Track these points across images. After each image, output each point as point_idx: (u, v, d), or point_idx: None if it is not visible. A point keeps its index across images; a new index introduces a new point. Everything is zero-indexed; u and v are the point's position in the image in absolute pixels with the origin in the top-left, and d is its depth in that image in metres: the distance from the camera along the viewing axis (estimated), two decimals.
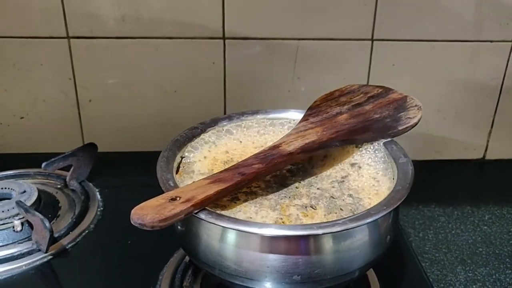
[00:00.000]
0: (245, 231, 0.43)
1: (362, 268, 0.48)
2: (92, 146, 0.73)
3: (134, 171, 0.78)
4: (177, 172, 0.53)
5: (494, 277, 0.69)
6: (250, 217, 0.47)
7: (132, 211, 0.41)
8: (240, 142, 0.59)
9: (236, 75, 0.85)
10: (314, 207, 0.48)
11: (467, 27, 0.84)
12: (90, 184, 0.74)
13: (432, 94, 0.89)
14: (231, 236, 0.45)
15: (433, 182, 0.90)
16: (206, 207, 0.44)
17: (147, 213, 0.41)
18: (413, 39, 0.85)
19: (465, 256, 0.73)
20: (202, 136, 0.58)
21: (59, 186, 0.73)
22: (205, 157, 0.56)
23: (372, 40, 0.84)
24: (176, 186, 0.47)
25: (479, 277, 0.69)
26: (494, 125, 0.92)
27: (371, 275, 0.59)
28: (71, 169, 0.72)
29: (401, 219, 0.80)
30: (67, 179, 0.72)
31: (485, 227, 0.79)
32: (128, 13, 0.79)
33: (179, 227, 0.49)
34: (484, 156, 0.95)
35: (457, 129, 0.92)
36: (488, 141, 0.94)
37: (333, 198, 0.50)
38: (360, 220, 0.43)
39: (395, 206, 0.45)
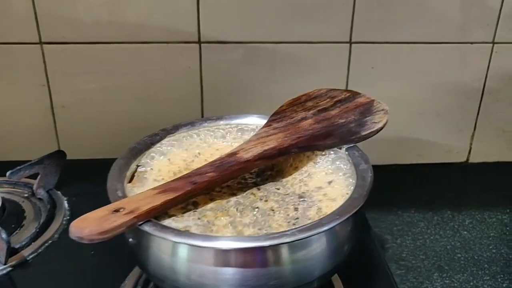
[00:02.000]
0: (188, 243, 0.41)
1: (320, 277, 0.47)
2: (59, 154, 0.71)
3: (106, 178, 0.76)
4: (130, 181, 0.51)
5: (471, 283, 0.68)
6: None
7: (72, 224, 0.40)
8: (201, 148, 0.57)
9: (213, 79, 0.84)
10: (272, 215, 0.47)
11: (447, 29, 0.83)
12: (59, 192, 0.72)
13: (413, 97, 0.87)
14: (178, 249, 0.43)
15: (414, 187, 0.88)
16: (152, 219, 0.43)
17: (87, 225, 0.39)
18: (392, 41, 0.83)
19: (442, 262, 0.72)
20: (161, 143, 0.56)
21: (26, 195, 0.72)
22: (162, 165, 0.54)
23: (350, 43, 0.83)
24: (124, 196, 0.46)
25: (456, 284, 0.67)
26: (477, 128, 0.91)
27: (337, 283, 0.57)
28: (38, 178, 0.70)
29: (378, 225, 0.78)
30: (34, 187, 0.71)
31: (465, 232, 0.78)
32: (102, 18, 0.78)
33: (130, 239, 0.47)
34: (467, 159, 0.93)
35: (439, 132, 0.91)
36: (471, 144, 0.92)
37: (295, 208, 0.48)
38: (310, 231, 0.41)
39: (348, 216, 0.44)
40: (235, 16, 0.80)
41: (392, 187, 0.88)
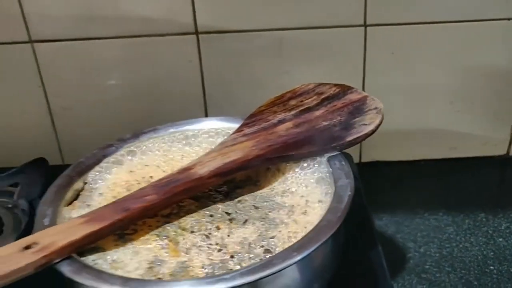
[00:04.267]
0: None
1: None
2: (41, 162, 0.67)
3: None
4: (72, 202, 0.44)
5: None
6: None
7: None
8: (161, 161, 0.49)
9: (214, 73, 0.77)
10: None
11: (481, 3, 0.72)
12: None
13: (442, 84, 0.77)
14: None
15: (445, 185, 0.78)
16: (74, 255, 0.36)
17: None
18: (414, 22, 0.73)
19: (471, 276, 0.62)
20: (116, 155, 0.49)
21: (9, 206, 0.67)
22: (113, 182, 0.47)
23: (365, 26, 0.74)
24: (54, 224, 0.39)
25: None
26: None
27: None
28: (18, 187, 0.66)
29: (401, 231, 0.70)
30: (15, 197, 0.66)
31: (500, 239, 0.67)
32: (93, 13, 0.72)
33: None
34: (508, 151, 0.82)
35: (474, 122, 0.80)
36: (511, 134, 0.81)
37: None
38: (252, 274, 0.33)
39: (307, 253, 0.35)
40: (234, 1, 0.72)
41: (420, 186, 0.78)
